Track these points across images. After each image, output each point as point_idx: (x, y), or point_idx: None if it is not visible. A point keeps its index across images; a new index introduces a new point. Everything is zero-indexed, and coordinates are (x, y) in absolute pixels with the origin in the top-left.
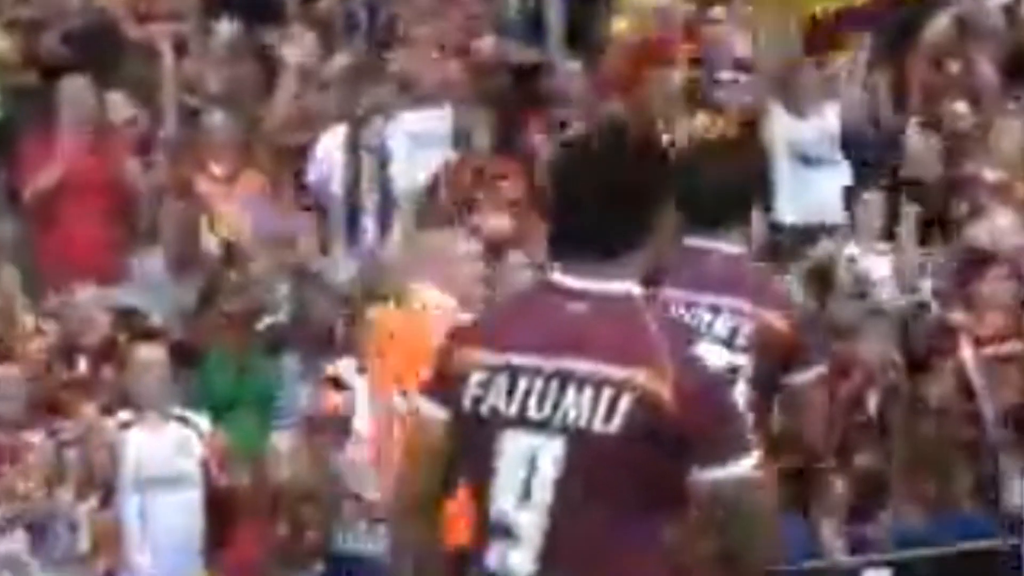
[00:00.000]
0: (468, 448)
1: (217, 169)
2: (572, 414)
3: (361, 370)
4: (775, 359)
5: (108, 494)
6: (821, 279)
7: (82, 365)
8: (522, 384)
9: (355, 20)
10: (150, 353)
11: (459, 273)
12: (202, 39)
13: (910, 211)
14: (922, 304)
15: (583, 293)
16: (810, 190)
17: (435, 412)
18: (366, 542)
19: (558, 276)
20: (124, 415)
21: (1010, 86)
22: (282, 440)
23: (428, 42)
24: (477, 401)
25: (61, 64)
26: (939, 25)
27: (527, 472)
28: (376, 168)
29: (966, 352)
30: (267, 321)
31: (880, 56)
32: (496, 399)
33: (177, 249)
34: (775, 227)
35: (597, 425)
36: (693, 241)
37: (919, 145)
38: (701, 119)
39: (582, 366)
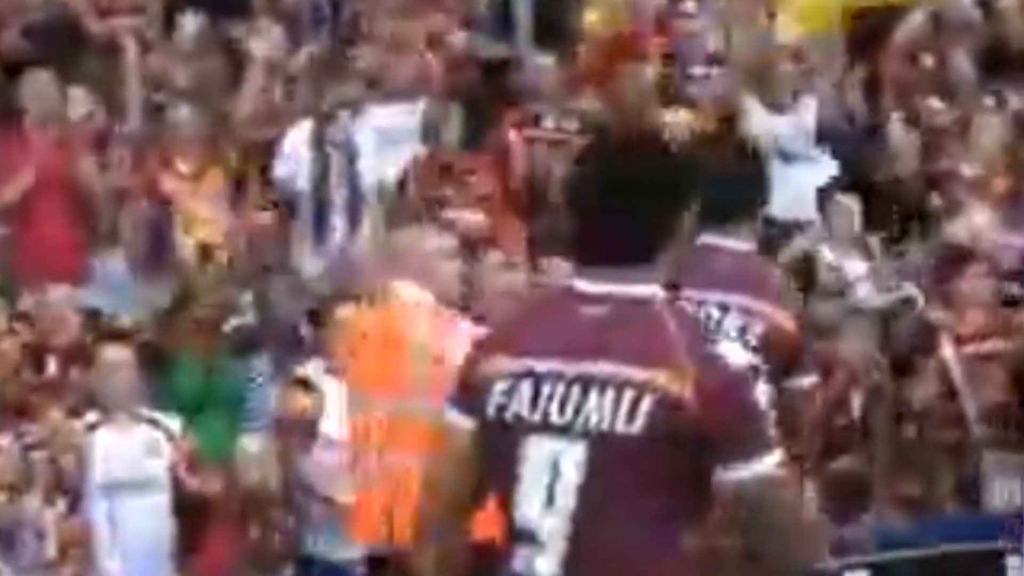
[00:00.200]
0: (493, 455)
1: (183, 166)
2: (594, 417)
3: (330, 371)
4: (781, 360)
5: (76, 499)
6: (799, 277)
7: (52, 367)
8: (545, 390)
9: (321, 14)
10: (117, 354)
11: (437, 270)
12: (166, 33)
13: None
14: (907, 300)
15: (602, 297)
16: (787, 186)
17: (461, 421)
18: (336, 546)
19: (577, 281)
20: (91, 417)
21: (986, 81)
22: (251, 443)
23: (395, 37)
24: (501, 408)
25: (22, 59)
26: (914, 19)
27: (551, 477)
28: (344, 164)
29: (947, 351)
30: (234, 323)
31: (854, 51)
32: (519, 406)
33: (140, 249)
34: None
35: (619, 427)
36: (702, 238)
37: (901, 141)
38: (683, 115)
39: (603, 369)
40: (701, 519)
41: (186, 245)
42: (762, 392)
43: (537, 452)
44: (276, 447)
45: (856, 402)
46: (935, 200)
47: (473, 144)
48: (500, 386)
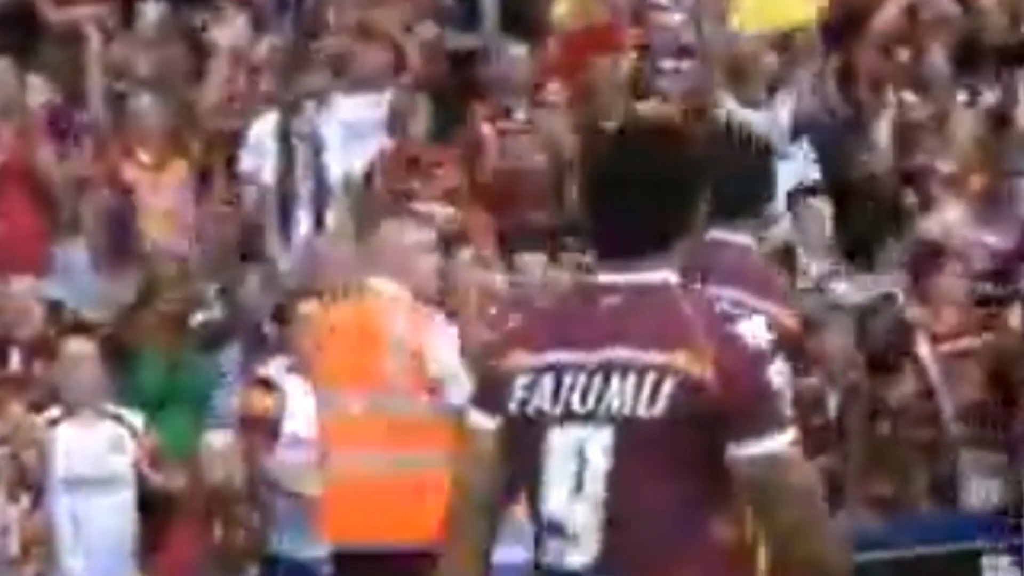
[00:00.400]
0: (517, 451)
1: (144, 156)
2: (617, 403)
3: (293, 369)
4: (786, 359)
5: (39, 495)
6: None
7: (15, 360)
8: (567, 381)
9: (285, 3)
10: (81, 347)
11: (415, 264)
12: (127, 21)
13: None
14: (887, 296)
15: (618, 286)
16: None
17: (483, 422)
18: (302, 545)
19: (595, 274)
20: (54, 412)
21: (961, 75)
22: (216, 439)
23: (361, 26)
24: (523, 403)
25: None
26: (889, 12)
27: (577, 466)
28: (310, 156)
29: (924, 349)
30: (201, 317)
31: (828, 43)
32: (541, 400)
33: (102, 240)
34: None
35: (642, 411)
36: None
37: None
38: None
39: (622, 354)
40: (731, 505)
41: (149, 237)
42: (778, 371)
43: (562, 442)
44: (241, 445)
45: (832, 402)
46: (910, 196)
47: (441, 136)
48: (521, 381)
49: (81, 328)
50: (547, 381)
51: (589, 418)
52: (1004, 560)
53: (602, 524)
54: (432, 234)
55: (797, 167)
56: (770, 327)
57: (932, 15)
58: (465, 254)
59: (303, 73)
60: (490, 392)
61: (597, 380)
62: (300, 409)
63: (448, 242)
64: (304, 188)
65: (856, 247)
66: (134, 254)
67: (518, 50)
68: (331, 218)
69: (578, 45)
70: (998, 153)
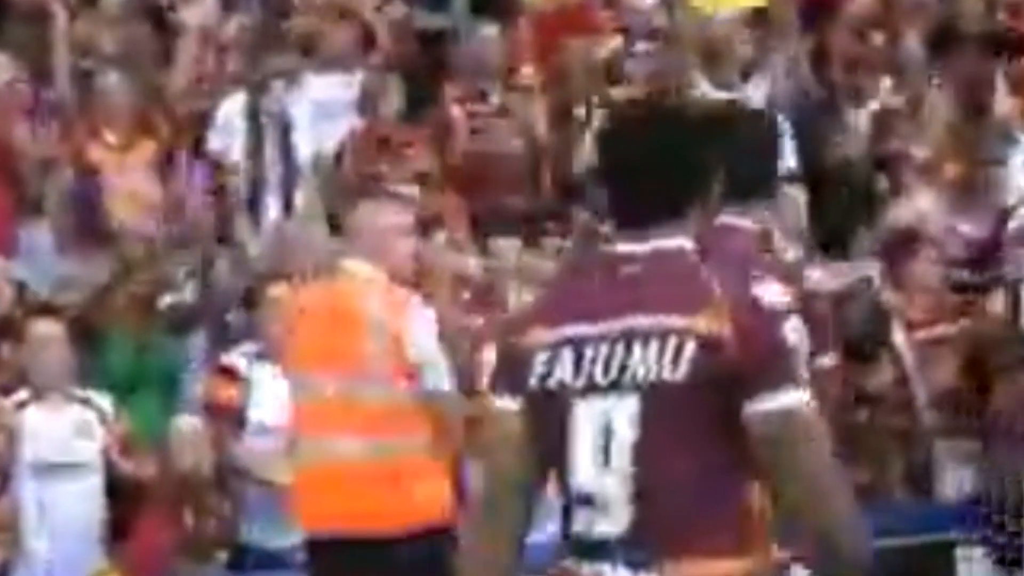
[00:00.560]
0: (542, 428)
1: (111, 136)
2: (641, 370)
3: (262, 356)
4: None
5: (5, 480)
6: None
7: None
8: (588, 353)
9: None
10: (48, 329)
11: (393, 246)
12: None
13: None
14: (864, 280)
15: (635, 255)
16: None
17: (506, 404)
18: (273, 534)
19: (609, 246)
20: (22, 394)
21: (936, 61)
22: (185, 424)
23: (329, 5)
24: (544, 378)
25: None
26: None
27: (604, 437)
28: (279, 136)
29: (899, 336)
30: (169, 299)
31: (801, 25)
32: (563, 373)
33: (66, 222)
34: None
35: (666, 375)
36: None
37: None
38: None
39: (643, 321)
40: (757, 471)
41: (116, 218)
42: (794, 329)
43: (587, 414)
44: (209, 431)
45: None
46: (883, 182)
47: (413, 117)
48: (541, 357)
49: (49, 310)
50: (567, 354)
51: (613, 388)
52: (978, 551)
53: (631, 496)
54: (410, 216)
55: None
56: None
57: (908, 0)
58: (439, 237)
59: (272, 53)
60: (511, 372)
61: (619, 349)
62: (268, 397)
63: (424, 225)
64: (273, 170)
65: (830, 235)
66: (99, 236)
67: (490, 31)
68: (300, 199)
69: (550, 27)
70: (974, 141)
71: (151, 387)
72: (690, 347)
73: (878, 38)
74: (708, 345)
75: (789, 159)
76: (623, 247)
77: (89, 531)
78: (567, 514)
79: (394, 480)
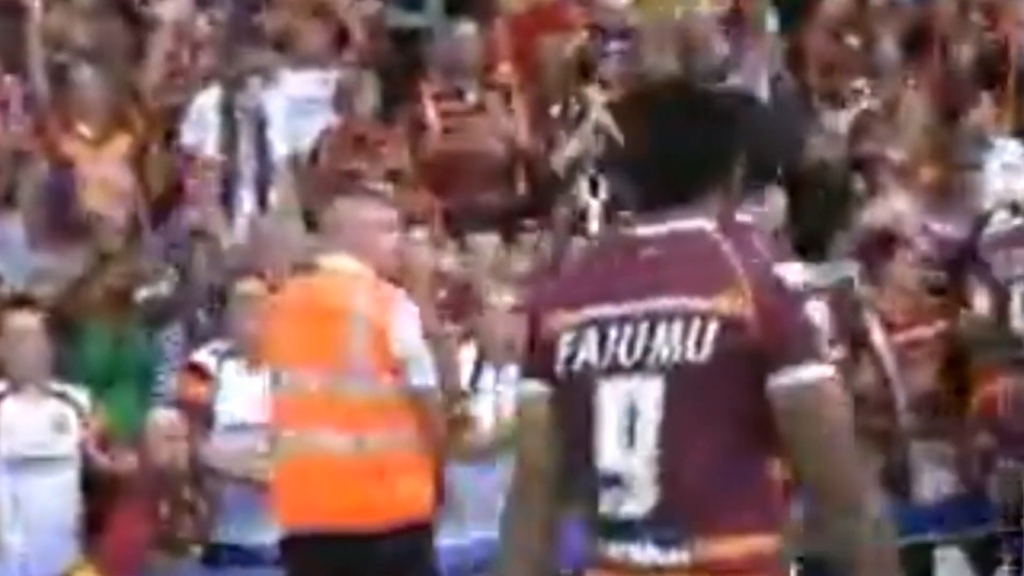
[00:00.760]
0: (568, 409)
1: (85, 130)
2: (665, 352)
3: (231, 353)
4: None
5: None
6: None
7: None
8: (612, 334)
9: None
10: (24, 321)
11: (376, 241)
12: None
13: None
14: (845, 280)
15: (654, 238)
16: None
17: (535, 387)
18: (248, 532)
19: (628, 228)
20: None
21: (911, 62)
22: (162, 418)
23: (304, 2)
24: (569, 360)
25: None
26: None
27: (629, 418)
28: (254, 132)
29: (877, 337)
30: (146, 293)
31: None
32: (587, 353)
33: (39, 215)
34: None
35: (690, 356)
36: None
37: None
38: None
39: (666, 303)
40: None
41: (89, 211)
42: (816, 308)
43: (612, 395)
44: (184, 427)
45: None
46: (859, 184)
47: (388, 115)
48: (566, 338)
49: (24, 302)
50: (591, 335)
51: (637, 369)
52: (955, 552)
53: (656, 476)
54: (394, 212)
55: None
56: None
57: (882, 1)
58: (417, 234)
59: (248, 49)
60: (537, 356)
61: (642, 331)
62: (237, 394)
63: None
64: (247, 165)
65: (807, 238)
66: (73, 229)
67: (468, 29)
68: (275, 196)
69: (526, 26)
70: (950, 145)
71: (128, 380)
72: (713, 328)
73: (853, 40)
74: (731, 325)
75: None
76: (642, 230)
77: (64, 525)
78: (594, 496)
79: (378, 475)
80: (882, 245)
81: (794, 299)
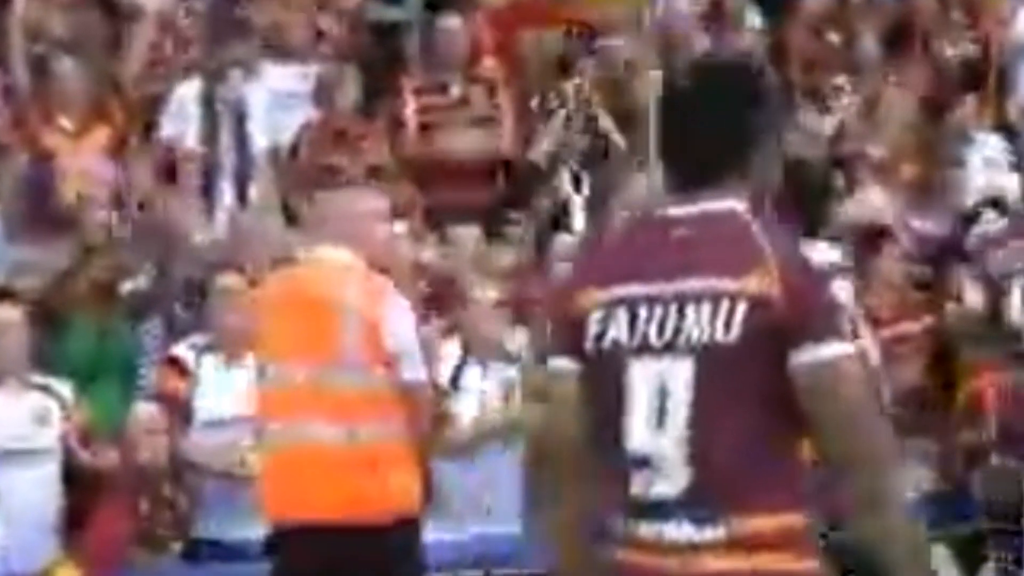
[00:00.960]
0: (597, 388)
1: (66, 122)
2: (695, 333)
3: (209, 347)
4: None
5: None
6: None
7: None
8: (642, 313)
9: None
10: (7, 314)
11: (370, 232)
12: None
13: None
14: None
15: (684, 219)
16: None
17: (564, 364)
18: (230, 527)
19: (659, 209)
20: None
21: (892, 59)
22: (143, 413)
23: None
24: (599, 338)
25: None
26: None
27: (659, 399)
28: (234, 124)
29: (864, 331)
30: (129, 286)
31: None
32: (617, 332)
33: (18, 208)
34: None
35: (719, 337)
36: None
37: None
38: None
39: (696, 284)
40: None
41: (71, 204)
42: (841, 288)
43: (642, 375)
44: (163, 421)
45: None
46: (839, 181)
47: (369, 109)
48: (595, 316)
49: (7, 294)
50: (621, 314)
51: (667, 350)
52: (940, 549)
53: (687, 457)
54: (386, 202)
55: None
56: None
57: None
58: (399, 228)
59: (229, 41)
60: (566, 333)
61: (672, 312)
62: (216, 389)
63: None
64: (227, 158)
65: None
66: (53, 222)
67: (452, 22)
68: (255, 190)
69: (506, 21)
70: (932, 142)
71: (112, 375)
72: (741, 309)
73: (835, 37)
74: (759, 305)
75: None
76: (674, 210)
77: (45, 519)
78: (624, 478)
79: (371, 467)
80: (869, 240)
81: (819, 278)
